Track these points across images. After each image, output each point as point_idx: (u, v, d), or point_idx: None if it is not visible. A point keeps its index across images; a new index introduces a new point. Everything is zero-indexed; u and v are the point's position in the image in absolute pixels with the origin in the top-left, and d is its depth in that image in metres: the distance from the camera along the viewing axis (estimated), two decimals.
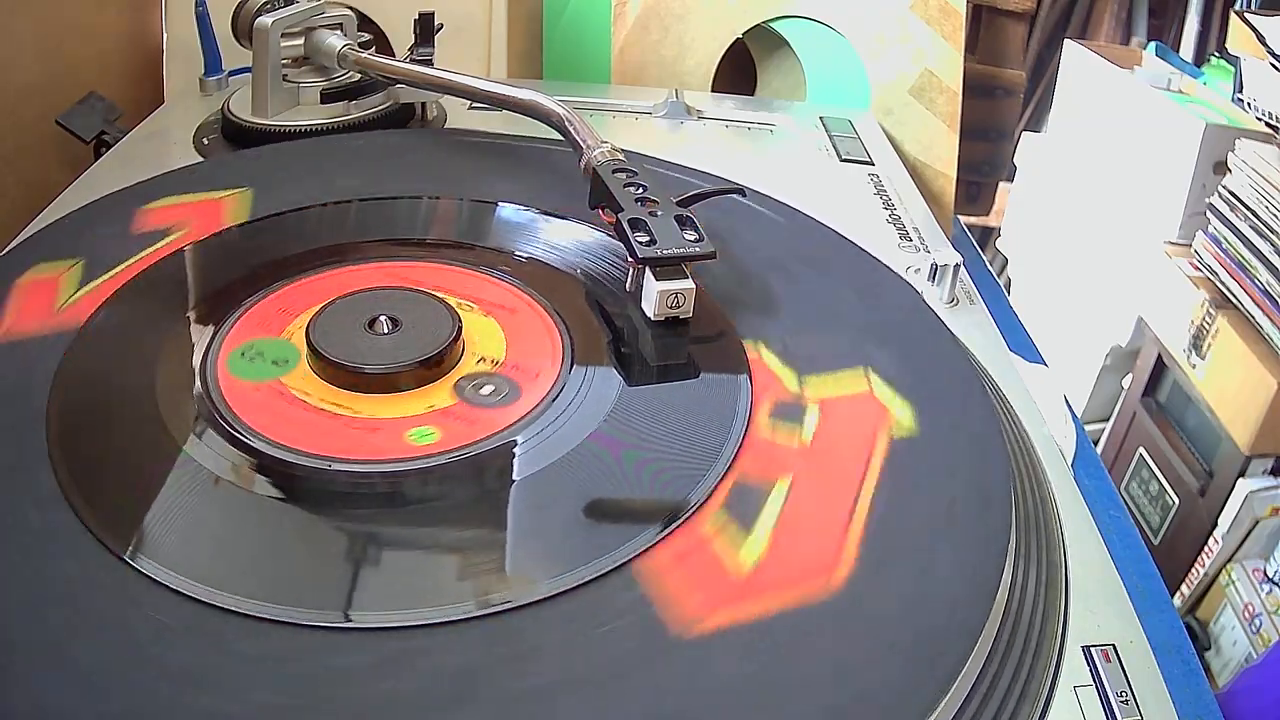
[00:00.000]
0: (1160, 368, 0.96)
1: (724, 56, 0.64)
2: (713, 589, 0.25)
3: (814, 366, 0.33)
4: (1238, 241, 0.83)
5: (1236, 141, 0.84)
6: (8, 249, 0.38)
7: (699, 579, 0.25)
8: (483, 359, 0.33)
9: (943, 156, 0.64)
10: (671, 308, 0.34)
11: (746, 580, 0.25)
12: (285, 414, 0.30)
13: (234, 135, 0.50)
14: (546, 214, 0.41)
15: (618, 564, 0.25)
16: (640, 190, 0.37)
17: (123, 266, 0.36)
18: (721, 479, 0.28)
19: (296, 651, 0.23)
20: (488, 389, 0.31)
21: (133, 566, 0.24)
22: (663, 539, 0.26)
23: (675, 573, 0.25)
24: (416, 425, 0.30)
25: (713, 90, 0.64)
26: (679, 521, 0.26)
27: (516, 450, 0.29)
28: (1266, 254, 0.79)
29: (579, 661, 0.23)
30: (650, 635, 0.23)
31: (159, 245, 0.37)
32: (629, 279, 0.36)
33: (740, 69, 0.68)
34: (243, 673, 0.22)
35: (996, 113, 0.79)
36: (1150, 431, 0.96)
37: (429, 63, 0.50)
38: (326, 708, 0.22)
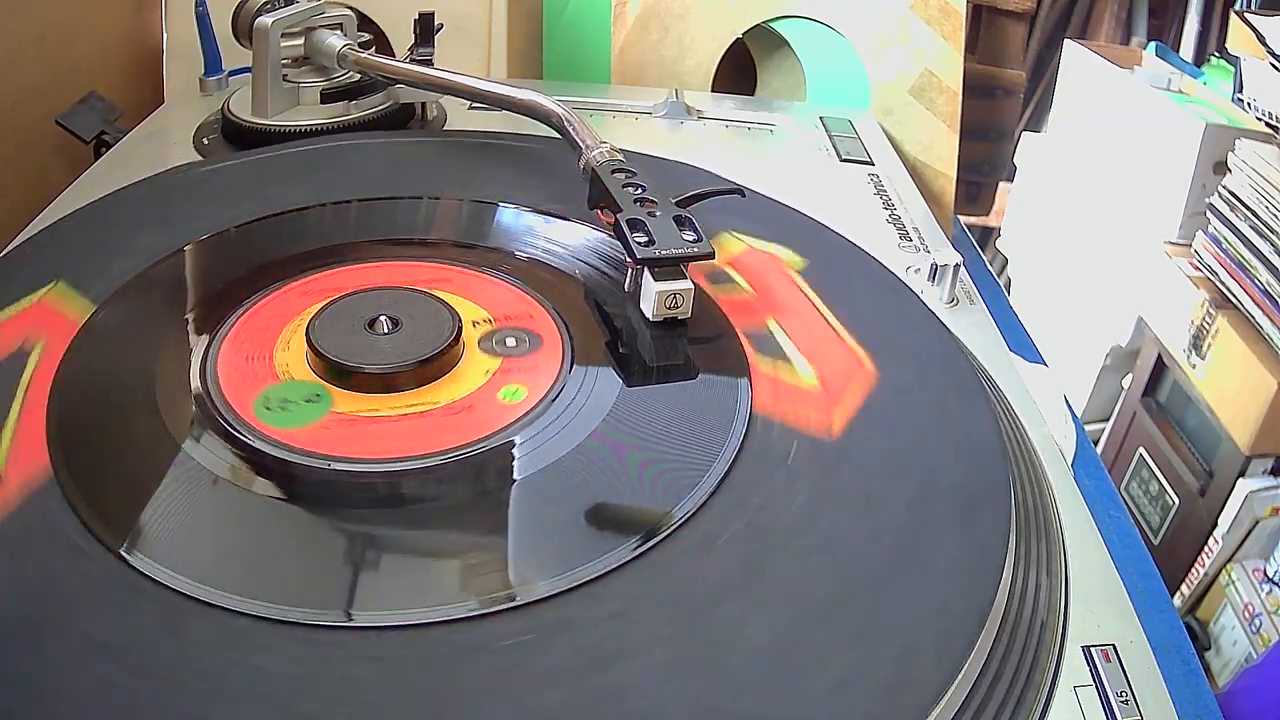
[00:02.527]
0: (1160, 368, 0.96)
1: (724, 56, 0.64)
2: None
3: None
4: (1238, 241, 0.83)
5: (1236, 141, 0.84)
6: (8, 249, 0.38)
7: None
8: (477, 321, 0.34)
9: (943, 156, 0.64)
10: (670, 308, 0.34)
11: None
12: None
13: (234, 135, 0.50)
14: (546, 214, 0.41)
15: (618, 564, 0.25)
16: (639, 190, 0.37)
17: None
18: (723, 478, 0.28)
19: (296, 651, 0.23)
20: (511, 340, 0.34)
21: (130, 565, 0.24)
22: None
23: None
24: (504, 385, 0.32)
25: (713, 90, 0.64)
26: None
27: (516, 450, 0.29)
28: (1266, 254, 0.79)
29: (583, 659, 0.23)
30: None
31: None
32: (627, 279, 0.36)
33: (740, 69, 0.68)
34: (241, 672, 0.22)
35: (996, 113, 0.79)
36: (1150, 431, 0.96)
37: (429, 63, 0.50)
38: (326, 707, 0.22)
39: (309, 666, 0.22)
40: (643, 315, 0.35)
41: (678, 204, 0.36)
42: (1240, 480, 0.82)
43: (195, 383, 0.31)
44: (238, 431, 0.29)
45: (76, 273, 0.35)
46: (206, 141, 0.50)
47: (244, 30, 0.50)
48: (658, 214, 0.35)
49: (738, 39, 0.64)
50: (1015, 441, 0.33)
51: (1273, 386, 0.77)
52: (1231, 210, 0.84)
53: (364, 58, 0.50)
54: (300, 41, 0.51)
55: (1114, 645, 0.27)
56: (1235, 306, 0.83)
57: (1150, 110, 0.98)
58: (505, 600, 0.24)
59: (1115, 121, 1.06)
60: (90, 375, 0.31)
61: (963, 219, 0.80)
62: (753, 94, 0.69)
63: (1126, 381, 1.02)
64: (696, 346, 0.34)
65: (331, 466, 0.28)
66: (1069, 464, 0.35)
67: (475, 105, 0.56)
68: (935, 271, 0.42)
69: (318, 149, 0.46)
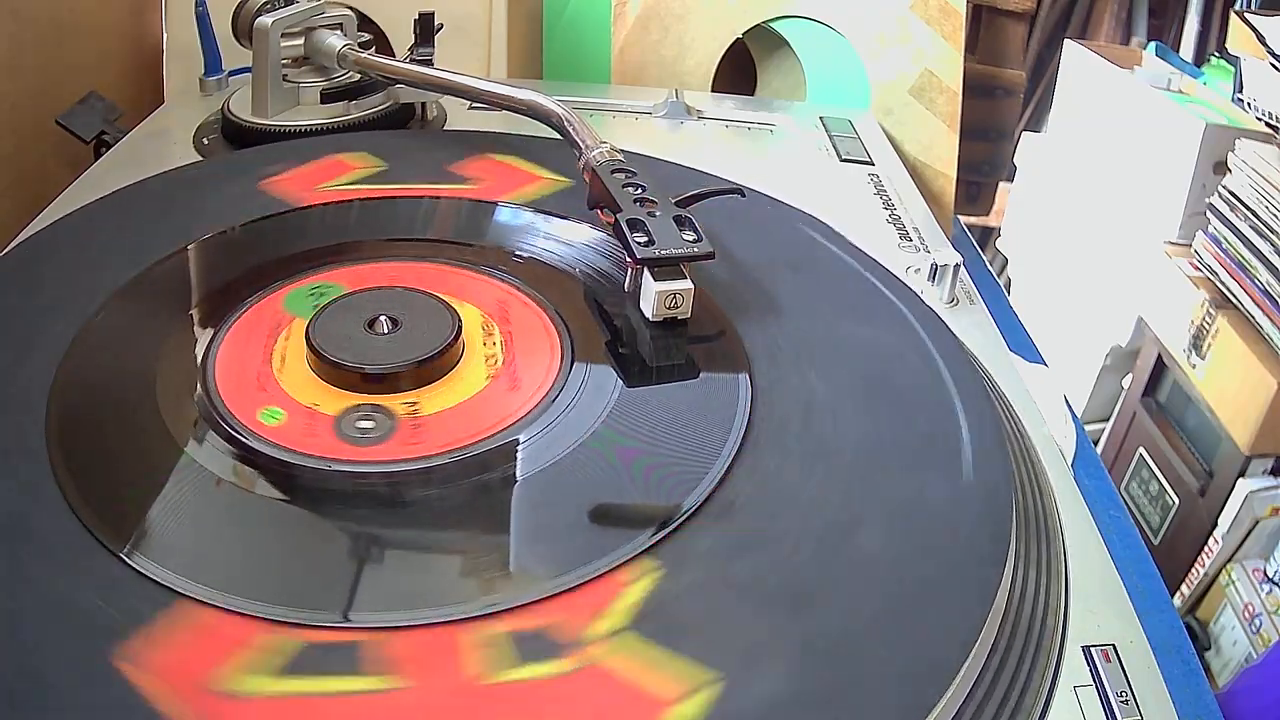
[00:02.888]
0: (1160, 368, 0.96)
1: (724, 56, 0.64)
2: None
3: None
4: (1238, 241, 0.83)
5: (1236, 141, 0.84)
6: (7, 248, 0.38)
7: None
8: (413, 404, 0.31)
9: (943, 156, 0.64)
10: (669, 308, 0.34)
11: None
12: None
13: (234, 135, 0.50)
14: (546, 214, 0.41)
15: (617, 564, 0.25)
16: (639, 190, 0.37)
17: (393, 187, 0.42)
18: (721, 480, 0.28)
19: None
20: (366, 424, 0.30)
21: (130, 565, 0.24)
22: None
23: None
24: (267, 407, 0.30)
25: (713, 90, 0.64)
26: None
27: (516, 451, 0.29)
28: (1266, 254, 0.79)
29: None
30: None
31: (447, 186, 0.42)
32: (627, 279, 0.36)
33: (740, 69, 0.68)
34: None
35: (996, 113, 0.79)
36: (1150, 431, 0.96)
37: (429, 63, 0.50)
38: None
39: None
40: (643, 315, 0.35)
41: (677, 204, 0.36)
42: (1240, 480, 0.82)
43: (195, 383, 0.31)
44: (237, 433, 0.29)
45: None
46: (206, 141, 0.50)
47: (244, 30, 0.50)
48: (657, 214, 0.35)
49: (738, 39, 0.64)
50: (1015, 441, 0.33)
51: (1273, 386, 0.77)
52: (1231, 210, 0.84)
53: (364, 58, 0.50)
54: (300, 41, 0.51)
55: (1114, 645, 0.27)
56: (1235, 306, 0.83)
57: (1150, 110, 0.98)
58: (505, 601, 0.24)
59: (1115, 121, 1.06)
60: (91, 376, 0.31)
61: (963, 219, 0.80)
62: (753, 94, 0.69)
63: (1126, 381, 1.02)
64: (697, 346, 0.34)
65: (332, 468, 0.28)
66: (1069, 464, 0.35)
67: (475, 105, 0.55)
68: (935, 271, 0.42)
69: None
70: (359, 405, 0.31)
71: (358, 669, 0.22)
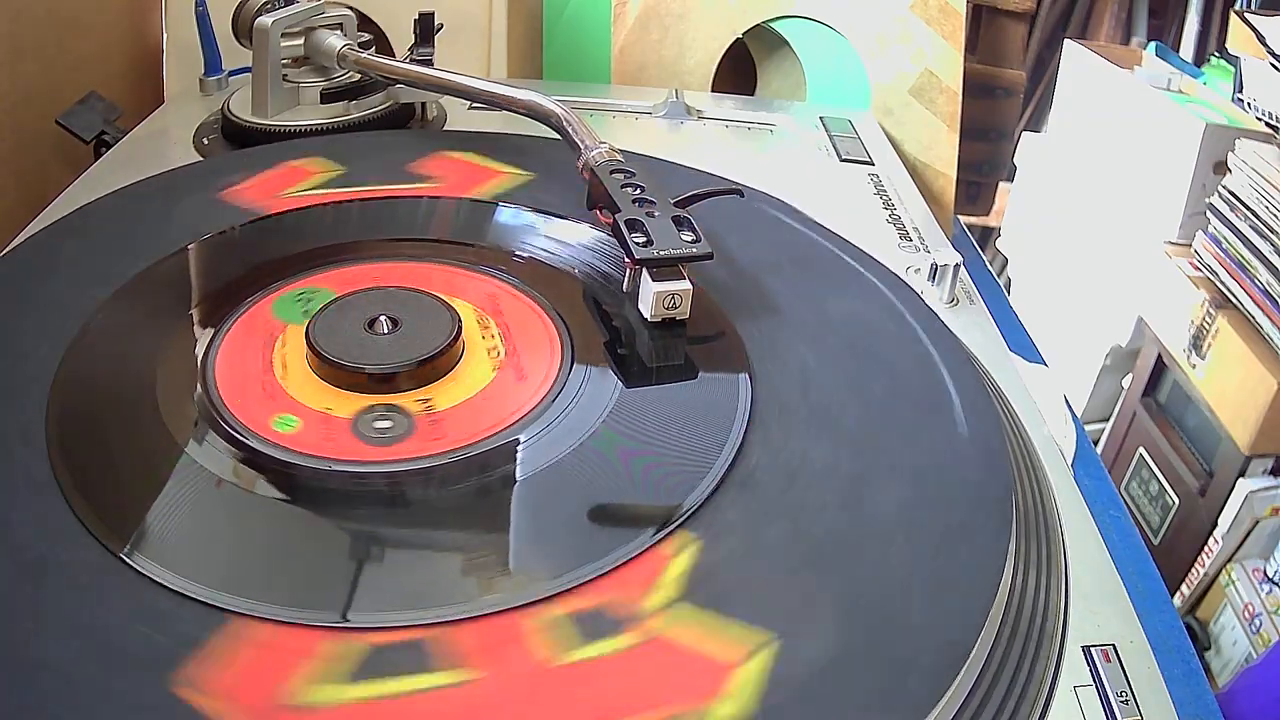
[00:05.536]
0: (1160, 368, 0.96)
1: (724, 56, 0.64)
2: None
3: None
4: (1238, 241, 0.83)
5: (1236, 141, 0.84)
6: (8, 249, 0.38)
7: None
8: (426, 400, 0.31)
9: (943, 156, 0.64)
10: (668, 309, 0.34)
11: None
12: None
13: (234, 135, 0.50)
14: (546, 214, 0.41)
15: (617, 564, 0.25)
16: (638, 191, 0.37)
17: (354, 190, 0.42)
18: (721, 479, 0.28)
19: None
20: (384, 424, 0.30)
21: (131, 566, 0.24)
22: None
23: None
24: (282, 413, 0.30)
25: (713, 90, 0.64)
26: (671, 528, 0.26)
27: (515, 451, 0.29)
28: (1266, 254, 0.79)
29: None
30: None
31: (407, 186, 0.43)
32: (626, 279, 0.36)
33: (740, 69, 0.68)
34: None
35: (996, 113, 0.79)
36: (1150, 431, 0.96)
37: (429, 63, 0.50)
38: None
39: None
40: (641, 315, 0.35)
41: (676, 204, 0.36)
42: (1240, 480, 0.82)
43: (195, 383, 0.31)
44: (237, 433, 0.29)
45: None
46: (206, 141, 0.50)
47: (244, 30, 0.50)
48: (656, 214, 0.35)
49: (738, 39, 0.64)
50: (1015, 441, 0.33)
51: (1273, 386, 0.77)
52: (1231, 210, 0.84)
53: (364, 58, 0.50)
54: (300, 41, 0.51)
55: (1114, 645, 0.27)
56: (1235, 306, 0.83)
57: (1150, 110, 0.98)
58: (506, 601, 0.24)
59: (1115, 121, 1.06)
60: (90, 376, 0.31)
61: (963, 219, 0.80)
62: (753, 94, 0.69)
63: (1126, 381, 1.02)
64: (697, 346, 0.34)
65: (332, 468, 0.28)
66: (1069, 464, 0.35)
67: (475, 105, 0.56)
68: (935, 271, 0.42)
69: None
70: (373, 406, 0.30)
71: (429, 666, 0.22)
